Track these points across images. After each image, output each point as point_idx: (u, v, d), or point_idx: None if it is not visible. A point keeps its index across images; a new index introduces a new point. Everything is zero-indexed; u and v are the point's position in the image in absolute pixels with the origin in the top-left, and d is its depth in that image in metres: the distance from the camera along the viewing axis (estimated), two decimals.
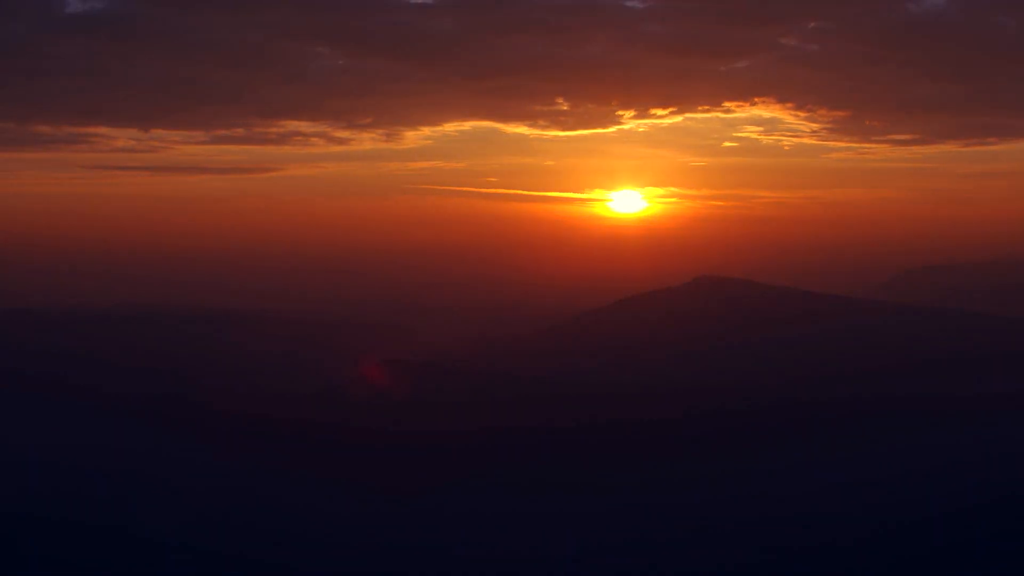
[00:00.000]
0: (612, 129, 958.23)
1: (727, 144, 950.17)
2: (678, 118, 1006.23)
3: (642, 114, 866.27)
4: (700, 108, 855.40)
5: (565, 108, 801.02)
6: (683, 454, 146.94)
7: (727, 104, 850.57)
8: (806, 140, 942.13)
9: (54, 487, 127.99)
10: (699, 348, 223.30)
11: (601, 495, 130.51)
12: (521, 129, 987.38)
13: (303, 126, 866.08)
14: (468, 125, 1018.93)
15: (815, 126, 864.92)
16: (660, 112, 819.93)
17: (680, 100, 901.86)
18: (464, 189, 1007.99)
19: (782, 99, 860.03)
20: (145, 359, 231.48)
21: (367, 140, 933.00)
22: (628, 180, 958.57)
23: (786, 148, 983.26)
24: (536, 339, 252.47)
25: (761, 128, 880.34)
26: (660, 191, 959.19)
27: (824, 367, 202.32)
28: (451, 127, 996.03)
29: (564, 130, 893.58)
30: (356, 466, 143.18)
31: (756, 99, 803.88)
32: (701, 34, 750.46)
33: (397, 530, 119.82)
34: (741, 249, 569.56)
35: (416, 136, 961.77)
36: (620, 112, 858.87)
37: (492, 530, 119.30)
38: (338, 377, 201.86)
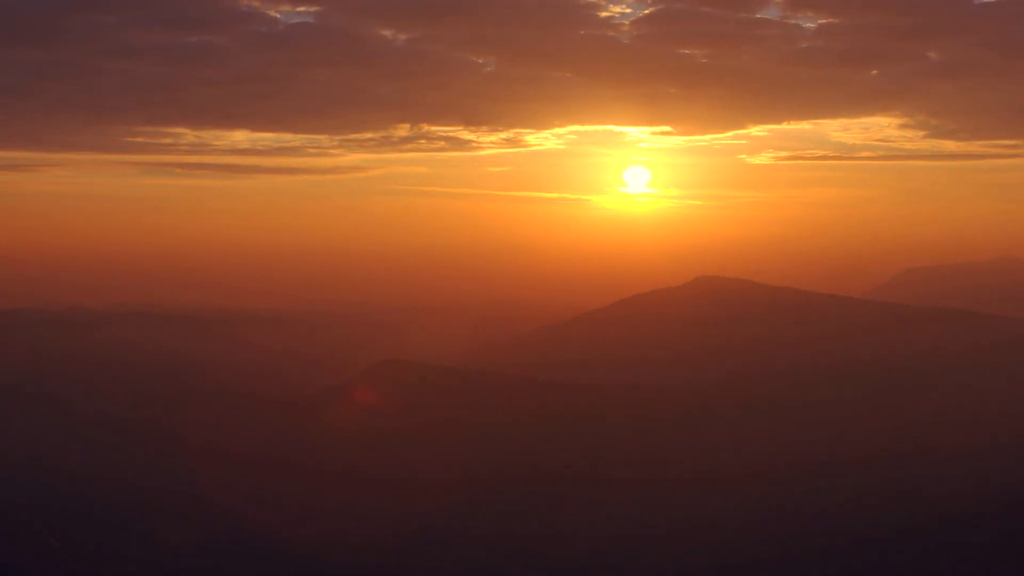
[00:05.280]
0: (728, 134, 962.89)
1: (823, 148, 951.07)
2: (795, 125, 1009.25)
3: (762, 120, 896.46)
4: (820, 116, 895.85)
5: (696, 114, 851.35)
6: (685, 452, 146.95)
7: (845, 110, 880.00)
8: (905, 144, 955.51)
9: (51, 489, 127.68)
10: (698, 348, 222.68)
11: (601, 495, 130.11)
12: (640, 133, 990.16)
13: (434, 130, 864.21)
14: (588, 128, 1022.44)
15: (921, 132, 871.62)
16: (778, 119, 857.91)
17: (802, 108, 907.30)
18: (524, 193, 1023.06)
19: (897, 107, 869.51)
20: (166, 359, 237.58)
21: (487, 143, 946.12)
22: (712, 182, 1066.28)
23: (885, 150, 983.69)
24: (536, 339, 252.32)
25: (868, 134, 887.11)
26: (731, 192, 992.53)
27: (823, 366, 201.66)
28: (572, 129, 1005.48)
29: (683, 135, 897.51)
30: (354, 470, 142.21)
31: (875, 107, 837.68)
32: (846, 48, 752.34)
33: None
34: (807, 247, 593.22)
35: (535, 138, 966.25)
36: (743, 118, 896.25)
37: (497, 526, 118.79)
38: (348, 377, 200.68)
